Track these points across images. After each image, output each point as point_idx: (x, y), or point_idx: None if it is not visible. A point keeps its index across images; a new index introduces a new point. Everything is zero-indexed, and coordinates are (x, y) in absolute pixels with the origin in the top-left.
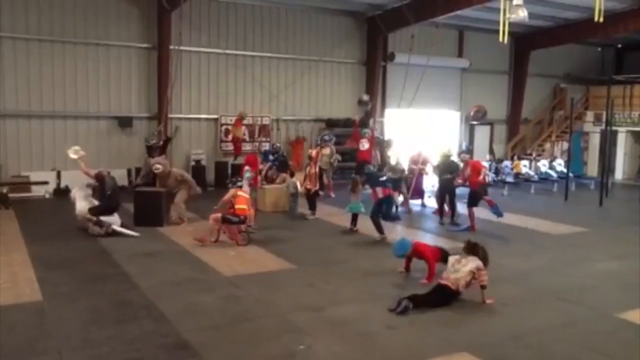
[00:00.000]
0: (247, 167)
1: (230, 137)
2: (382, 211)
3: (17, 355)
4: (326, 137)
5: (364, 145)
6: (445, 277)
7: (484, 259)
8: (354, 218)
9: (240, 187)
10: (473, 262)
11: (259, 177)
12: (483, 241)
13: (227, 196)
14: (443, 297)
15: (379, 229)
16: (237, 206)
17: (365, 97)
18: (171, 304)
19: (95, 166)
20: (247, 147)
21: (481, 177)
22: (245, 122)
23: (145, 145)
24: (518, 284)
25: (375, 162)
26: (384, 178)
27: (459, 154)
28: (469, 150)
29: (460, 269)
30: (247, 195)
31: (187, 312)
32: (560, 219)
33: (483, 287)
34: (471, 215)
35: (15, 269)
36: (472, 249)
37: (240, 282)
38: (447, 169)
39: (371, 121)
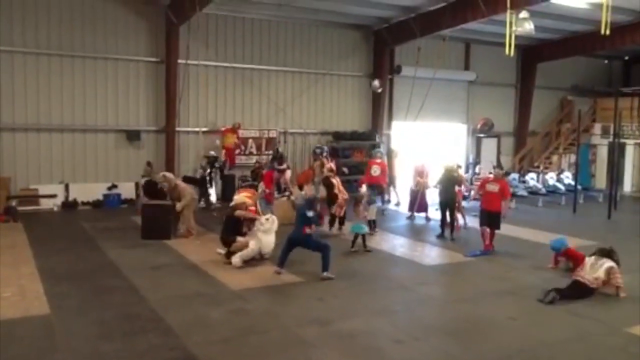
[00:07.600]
0: (262, 186)
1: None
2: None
3: None
4: (317, 151)
5: (376, 171)
6: (582, 275)
7: (617, 262)
8: (355, 238)
9: (245, 187)
10: (608, 263)
11: (275, 192)
12: (493, 255)
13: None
14: (581, 291)
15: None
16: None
17: (376, 83)
18: (179, 317)
19: (103, 180)
20: (253, 159)
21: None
22: (253, 135)
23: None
24: (528, 298)
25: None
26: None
27: (494, 168)
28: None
29: (598, 269)
30: (239, 200)
31: (195, 325)
32: (569, 232)
33: (618, 287)
34: (492, 235)
35: (23, 282)
36: (607, 254)
37: (248, 295)
38: (449, 183)
39: (378, 150)
